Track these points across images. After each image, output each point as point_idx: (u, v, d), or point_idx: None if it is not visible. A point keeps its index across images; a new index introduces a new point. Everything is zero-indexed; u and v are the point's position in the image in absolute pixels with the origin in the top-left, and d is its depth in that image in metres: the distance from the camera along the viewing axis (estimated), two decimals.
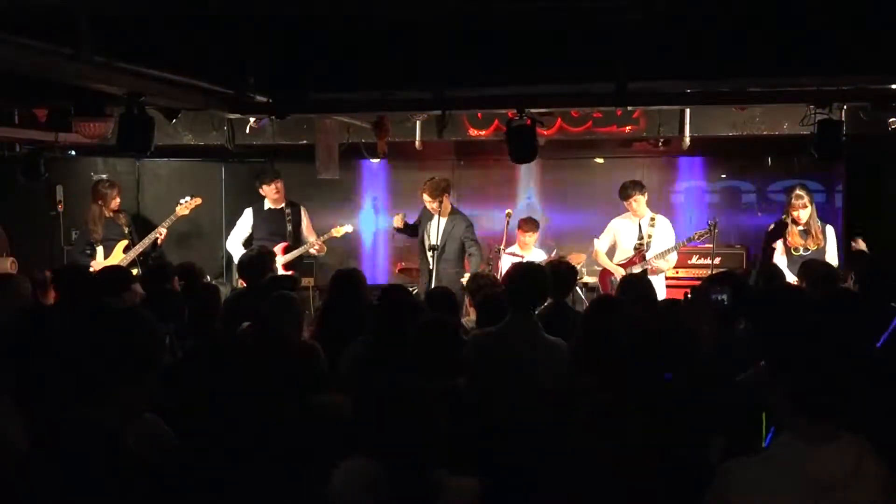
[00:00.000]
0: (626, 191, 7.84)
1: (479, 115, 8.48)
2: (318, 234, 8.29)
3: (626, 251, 7.89)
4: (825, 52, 5.38)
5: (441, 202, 7.74)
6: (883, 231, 8.21)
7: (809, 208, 7.23)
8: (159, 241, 8.01)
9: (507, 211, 8.42)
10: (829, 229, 7.35)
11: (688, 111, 8.09)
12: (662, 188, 9.90)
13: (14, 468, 2.30)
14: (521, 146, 6.29)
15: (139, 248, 7.89)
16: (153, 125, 5.90)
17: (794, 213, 7.25)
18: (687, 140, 8.27)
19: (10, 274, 6.17)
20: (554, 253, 8.53)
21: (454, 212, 7.93)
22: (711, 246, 8.33)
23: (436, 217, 7.82)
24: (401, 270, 9.29)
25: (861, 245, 7.30)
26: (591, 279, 8.58)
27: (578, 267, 7.40)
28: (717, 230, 7.65)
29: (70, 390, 2.30)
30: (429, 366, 3.64)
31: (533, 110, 6.26)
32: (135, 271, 7.46)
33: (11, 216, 8.29)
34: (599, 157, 9.97)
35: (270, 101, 6.17)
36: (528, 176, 10.16)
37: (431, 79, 5.79)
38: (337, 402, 3.36)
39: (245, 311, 5.10)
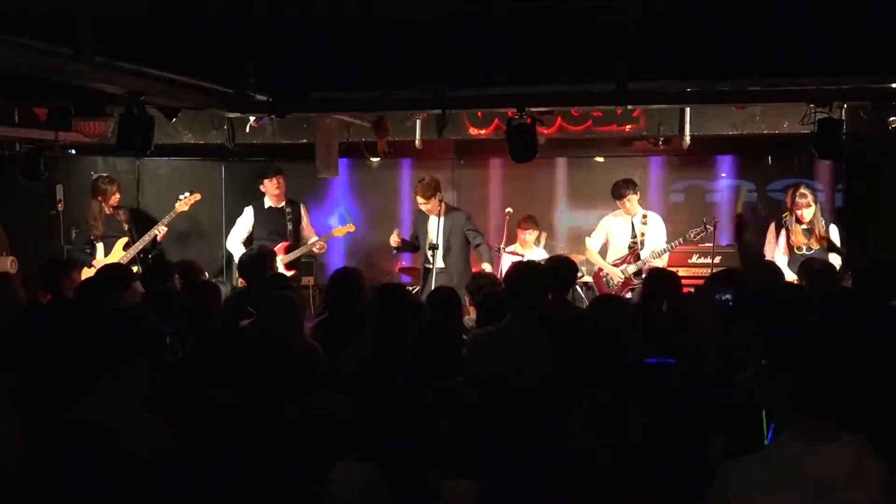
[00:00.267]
0: (620, 190, 7.84)
1: (479, 114, 8.47)
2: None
3: (619, 250, 7.90)
4: (825, 52, 5.38)
5: (435, 201, 7.73)
6: (883, 231, 8.20)
7: (813, 207, 7.24)
8: (159, 238, 8.01)
9: (507, 210, 8.42)
10: (833, 229, 7.36)
11: (688, 110, 8.09)
12: (662, 188, 9.90)
13: (14, 468, 2.30)
14: (521, 145, 6.28)
15: (139, 245, 7.88)
16: (153, 124, 5.90)
17: (798, 212, 7.26)
18: (687, 139, 8.27)
19: (5, 273, 6.17)
20: (543, 238, 8.52)
21: (450, 208, 7.93)
22: (711, 245, 8.34)
23: (432, 217, 7.81)
24: (401, 270, 9.29)
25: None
26: (591, 279, 8.58)
27: (579, 265, 7.41)
28: (711, 229, 7.66)
29: (66, 388, 2.31)
30: (428, 366, 3.64)
31: (533, 109, 6.26)
32: (135, 268, 7.47)
33: (11, 216, 8.29)
34: (599, 156, 9.97)
35: (270, 100, 6.17)
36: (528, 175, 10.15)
37: (431, 78, 5.79)
38: (337, 403, 3.37)
39: (245, 310, 5.10)
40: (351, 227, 8.39)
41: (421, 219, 8.01)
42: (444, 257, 7.78)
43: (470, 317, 5.76)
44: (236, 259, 7.37)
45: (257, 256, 6.24)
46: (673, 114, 8.18)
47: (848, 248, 7.49)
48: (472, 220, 7.94)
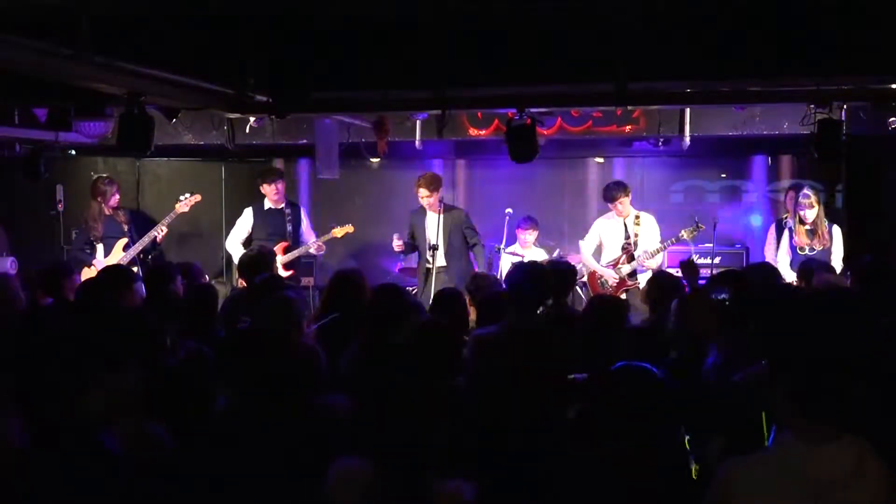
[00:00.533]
0: (611, 192, 7.84)
1: (479, 114, 8.48)
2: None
3: (613, 251, 7.91)
4: (825, 52, 5.38)
5: (437, 196, 7.72)
6: (883, 231, 8.21)
7: (816, 208, 7.25)
8: (159, 239, 8.01)
9: (507, 210, 8.42)
10: (836, 230, 7.37)
11: (688, 110, 8.10)
12: (662, 188, 9.90)
13: (13, 468, 2.30)
14: (521, 146, 6.29)
15: (139, 245, 7.89)
16: (153, 125, 5.91)
17: (801, 213, 7.26)
18: (687, 140, 8.27)
19: (5, 274, 6.17)
20: (556, 253, 8.52)
21: (448, 206, 7.93)
22: (711, 245, 8.35)
23: (430, 215, 7.79)
24: (401, 270, 9.29)
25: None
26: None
27: (578, 267, 7.41)
28: (703, 227, 7.66)
29: (63, 388, 2.30)
30: (428, 366, 3.63)
31: (533, 109, 6.26)
32: (134, 269, 7.47)
33: (11, 216, 8.30)
34: (599, 157, 9.97)
35: (270, 100, 6.17)
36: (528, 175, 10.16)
37: (431, 78, 5.80)
38: (336, 403, 3.36)
39: (244, 311, 5.10)
40: (350, 228, 8.39)
41: (418, 217, 7.97)
42: (445, 256, 7.77)
43: (470, 317, 5.75)
44: (236, 260, 7.37)
45: (257, 257, 6.23)
46: (673, 114, 8.18)
47: (848, 249, 7.50)
48: (470, 219, 7.94)
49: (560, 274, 5.42)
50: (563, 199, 10.15)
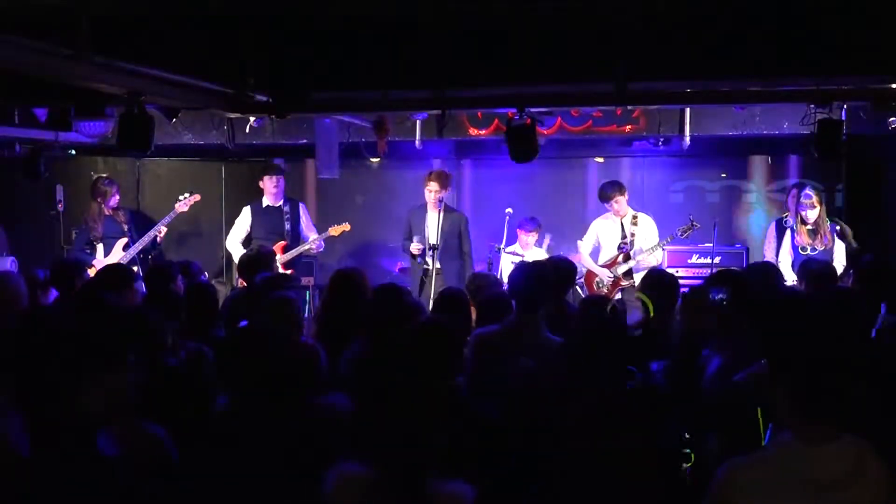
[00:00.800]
0: (606, 192, 7.85)
1: (479, 114, 8.48)
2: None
3: (610, 251, 7.91)
4: (825, 52, 5.38)
5: (445, 193, 7.70)
6: (883, 231, 8.21)
7: (818, 208, 7.25)
8: (159, 239, 8.02)
9: (507, 210, 8.42)
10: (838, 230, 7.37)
11: (688, 110, 8.10)
12: (662, 188, 9.90)
13: (13, 468, 2.30)
14: (521, 145, 6.29)
15: (139, 245, 7.89)
16: (153, 125, 5.91)
17: (802, 213, 7.26)
18: (687, 140, 8.27)
19: (8, 272, 6.18)
20: (547, 240, 8.50)
21: (449, 208, 7.92)
22: (711, 245, 8.35)
23: (431, 214, 7.77)
24: (401, 270, 9.29)
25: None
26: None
27: (578, 266, 7.41)
28: (698, 226, 7.66)
29: (60, 387, 2.30)
30: (428, 366, 3.63)
31: (533, 109, 6.26)
32: (134, 269, 7.47)
33: (11, 216, 8.29)
34: (599, 157, 9.97)
35: (270, 100, 6.17)
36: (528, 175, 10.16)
37: (431, 78, 5.80)
38: (336, 403, 3.36)
39: (244, 310, 5.10)
40: (346, 227, 8.38)
41: (418, 215, 7.94)
42: (442, 258, 7.74)
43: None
44: (236, 259, 7.37)
45: (257, 257, 6.24)
46: (673, 114, 8.18)
47: (848, 249, 7.50)
48: (468, 226, 7.96)
49: (560, 273, 5.42)
50: (563, 199, 10.15)
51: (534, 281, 4.43)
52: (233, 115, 7.08)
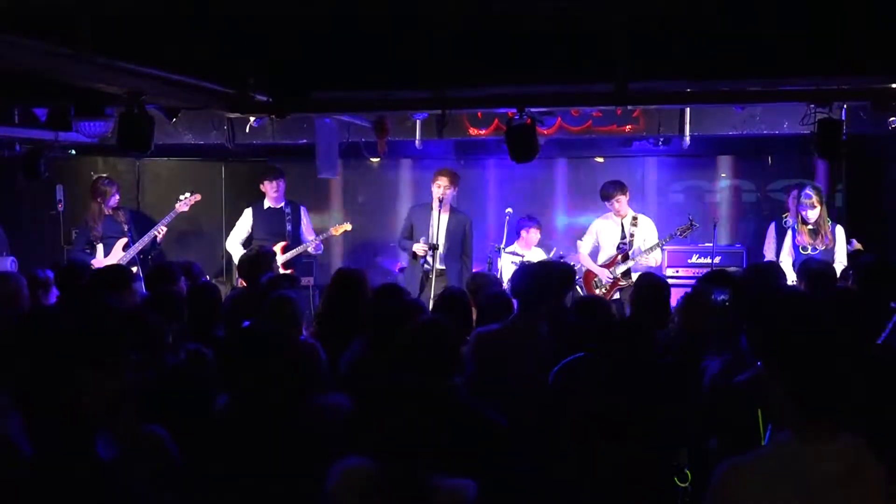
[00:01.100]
0: (608, 191, 7.85)
1: (479, 114, 8.48)
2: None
3: (609, 251, 7.91)
4: (825, 52, 5.38)
5: (452, 192, 7.65)
6: (883, 231, 8.21)
7: (818, 208, 7.24)
8: (159, 239, 8.02)
9: (506, 210, 8.42)
10: (839, 230, 7.36)
11: (688, 110, 8.10)
12: (662, 188, 9.90)
13: (13, 469, 2.30)
14: (521, 145, 6.29)
15: (139, 245, 7.89)
16: (153, 125, 5.91)
17: (803, 213, 7.26)
18: (687, 139, 8.28)
19: (8, 273, 6.18)
20: (553, 252, 8.51)
21: (453, 209, 7.88)
22: (711, 245, 8.35)
23: (434, 213, 7.72)
24: (401, 270, 9.28)
25: (857, 246, 7.33)
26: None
27: (577, 267, 7.41)
28: (697, 225, 7.67)
29: (59, 386, 2.30)
30: (428, 366, 3.63)
31: (533, 109, 6.26)
32: (134, 269, 7.47)
33: (11, 216, 8.30)
34: (599, 157, 9.98)
35: (270, 100, 6.17)
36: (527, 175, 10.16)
37: (431, 78, 5.80)
38: (336, 403, 3.37)
39: (245, 311, 5.10)
40: (347, 227, 8.38)
41: (421, 213, 7.83)
42: (446, 259, 7.65)
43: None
44: (236, 260, 7.37)
45: (257, 257, 6.24)
46: (673, 114, 8.18)
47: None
48: (472, 227, 7.90)
49: (561, 274, 5.41)
50: (563, 199, 10.15)
51: (536, 281, 4.44)
52: (233, 115, 7.09)
